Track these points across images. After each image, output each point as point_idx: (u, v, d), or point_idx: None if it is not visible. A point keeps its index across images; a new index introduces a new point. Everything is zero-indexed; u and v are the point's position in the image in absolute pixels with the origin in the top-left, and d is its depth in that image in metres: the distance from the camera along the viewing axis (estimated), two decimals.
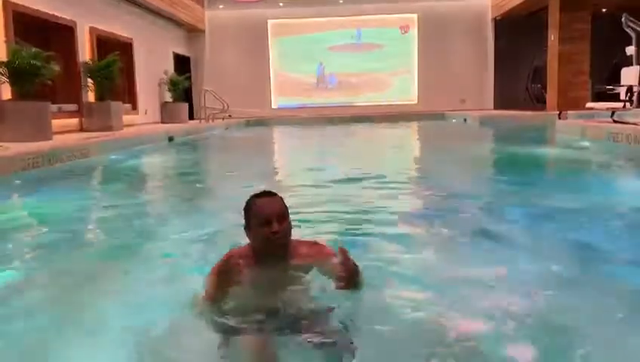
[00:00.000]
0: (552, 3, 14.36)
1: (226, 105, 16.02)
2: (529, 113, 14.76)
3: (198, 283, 2.01)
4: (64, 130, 9.84)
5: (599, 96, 9.84)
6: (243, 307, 1.87)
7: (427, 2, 18.59)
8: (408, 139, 12.75)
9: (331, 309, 1.84)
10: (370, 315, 1.90)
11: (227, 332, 1.75)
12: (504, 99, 18.06)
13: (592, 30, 14.03)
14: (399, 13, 18.89)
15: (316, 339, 1.68)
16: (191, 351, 1.78)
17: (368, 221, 3.45)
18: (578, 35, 14.05)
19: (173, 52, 16.98)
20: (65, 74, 9.59)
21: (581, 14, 14.04)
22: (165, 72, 15.41)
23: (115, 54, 10.89)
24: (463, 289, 2.19)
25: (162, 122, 14.86)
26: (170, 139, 10.97)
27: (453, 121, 15.94)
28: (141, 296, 2.25)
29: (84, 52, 11.15)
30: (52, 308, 2.18)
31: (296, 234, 2.00)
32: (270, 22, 19.02)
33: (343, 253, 1.79)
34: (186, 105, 15.69)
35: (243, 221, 1.97)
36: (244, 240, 2.01)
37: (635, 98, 8.55)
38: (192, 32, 18.39)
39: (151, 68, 14.64)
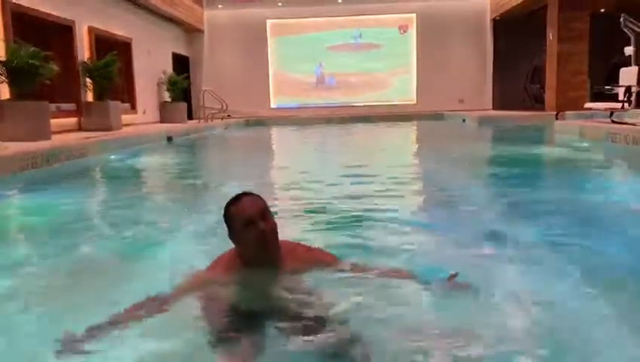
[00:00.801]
0: (550, 3, 14.37)
1: (224, 105, 16.01)
2: (527, 113, 14.77)
3: None
4: (63, 130, 9.83)
5: (598, 97, 9.83)
6: (229, 316, 1.78)
7: (426, 2, 18.60)
8: (407, 139, 12.75)
9: (333, 315, 1.77)
10: (371, 319, 1.88)
11: (217, 336, 1.70)
12: (503, 99, 18.08)
13: (590, 30, 14.04)
14: (398, 13, 18.90)
15: (328, 349, 1.58)
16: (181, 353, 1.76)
17: (368, 221, 3.45)
18: (577, 34, 14.06)
19: (172, 52, 16.97)
20: (64, 73, 9.57)
21: (580, 14, 14.06)
22: (164, 72, 15.41)
23: (113, 54, 10.88)
24: (462, 290, 2.17)
25: (161, 122, 14.87)
26: (169, 139, 10.96)
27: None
28: (141, 295, 2.24)
29: (83, 51, 11.15)
30: (52, 308, 2.18)
31: (295, 236, 1.99)
32: (269, 22, 19.02)
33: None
34: (185, 104, 15.70)
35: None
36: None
37: (633, 98, 8.56)
38: (191, 31, 18.38)
39: (150, 67, 14.63)
